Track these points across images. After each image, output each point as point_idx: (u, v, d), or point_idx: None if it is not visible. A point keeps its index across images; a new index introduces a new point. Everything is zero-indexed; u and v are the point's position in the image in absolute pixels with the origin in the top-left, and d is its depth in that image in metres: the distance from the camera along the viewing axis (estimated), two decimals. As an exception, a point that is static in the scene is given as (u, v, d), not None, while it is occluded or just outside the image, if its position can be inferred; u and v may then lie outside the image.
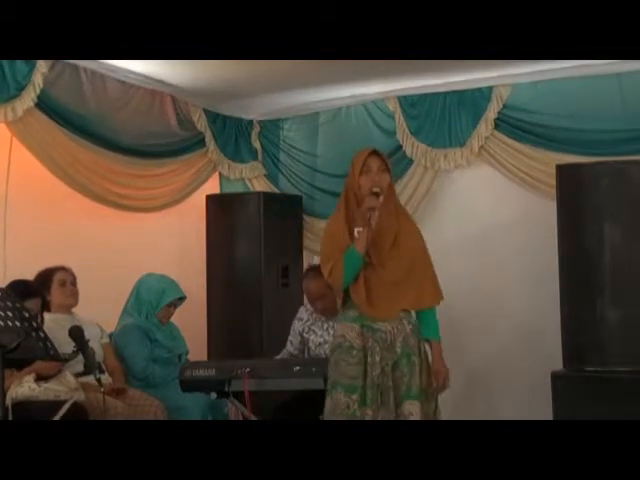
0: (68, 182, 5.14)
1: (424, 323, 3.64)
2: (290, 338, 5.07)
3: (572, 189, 4.85)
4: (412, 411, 3.47)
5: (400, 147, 6.16)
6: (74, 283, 4.75)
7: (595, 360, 4.70)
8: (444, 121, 6.03)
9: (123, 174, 5.55)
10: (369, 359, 3.50)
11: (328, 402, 3.54)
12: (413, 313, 3.66)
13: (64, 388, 4.21)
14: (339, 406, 3.48)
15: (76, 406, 4.16)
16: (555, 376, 4.74)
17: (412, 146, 6.12)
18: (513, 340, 5.73)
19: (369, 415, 3.45)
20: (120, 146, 5.49)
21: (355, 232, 3.54)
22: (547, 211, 5.12)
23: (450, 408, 5.87)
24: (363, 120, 6.37)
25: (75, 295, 4.75)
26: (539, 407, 4.89)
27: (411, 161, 6.14)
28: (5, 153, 4.90)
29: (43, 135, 4.95)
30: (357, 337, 3.53)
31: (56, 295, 4.66)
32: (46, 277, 4.67)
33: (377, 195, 3.52)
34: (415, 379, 3.53)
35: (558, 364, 4.82)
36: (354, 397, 3.47)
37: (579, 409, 4.57)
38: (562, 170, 4.93)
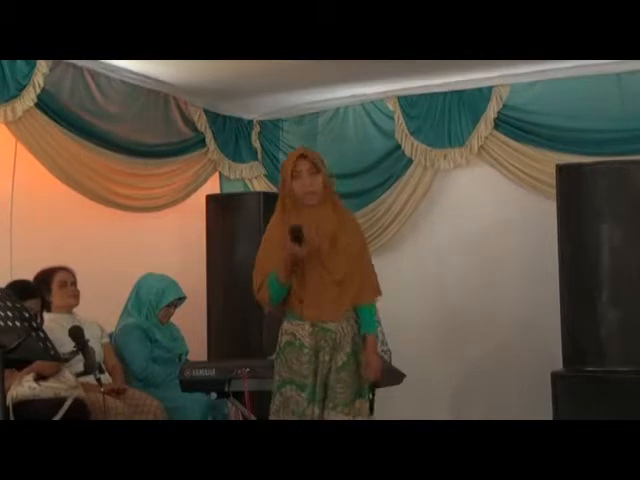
0: (68, 182, 5.15)
1: (363, 319, 3.63)
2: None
3: (572, 189, 4.85)
4: (361, 409, 3.53)
5: (399, 147, 6.16)
6: (75, 283, 4.75)
7: (595, 360, 4.70)
8: (444, 121, 6.03)
9: (123, 174, 5.55)
10: (320, 358, 3.53)
11: (277, 398, 3.57)
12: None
13: (63, 386, 4.21)
14: (290, 403, 3.52)
15: (77, 402, 4.17)
16: (555, 376, 4.75)
17: (411, 146, 6.12)
18: (513, 340, 5.73)
19: (317, 413, 3.49)
20: (121, 146, 5.49)
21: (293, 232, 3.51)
22: (547, 211, 5.12)
23: (450, 408, 5.91)
24: (362, 120, 6.37)
25: (76, 296, 4.74)
26: (539, 407, 4.90)
27: (410, 161, 6.14)
28: (10, 155, 4.91)
29: (43, 135, 4.95)
30: (308, 336, 3.55)
31: (56, 296, 4.66)
32: (46, 277, 4.66)
33: (299, 240, 3.42)
34: (362, 378, 3.57)
35: (558, 364, 4.82)
36: (303, 395, 3.51)
37: (579, 409, 4.57)
38: (562, 170, 4.93)
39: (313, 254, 3.52)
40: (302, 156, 3.59)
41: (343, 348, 3.55)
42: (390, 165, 6.21)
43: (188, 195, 6.17)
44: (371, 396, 3.65)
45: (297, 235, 3.41)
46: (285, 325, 3.63)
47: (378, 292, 3.70)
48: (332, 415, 3.49)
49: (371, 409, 3.64)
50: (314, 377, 3.52)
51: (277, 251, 3.52)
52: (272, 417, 3.58)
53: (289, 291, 3.58)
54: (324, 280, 3.56)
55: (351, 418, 3.50)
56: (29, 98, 4.76)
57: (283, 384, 3.55)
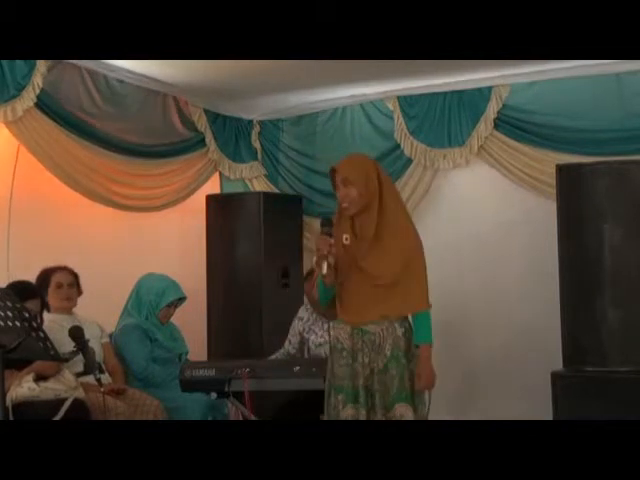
0: (68, 182, 5.15)
1: (416, 327, 3.61)
2: (289, 337, 5.07)
3: (572, 189, 4.85)
4: (403, 413, 3.47)
5: (398, 146, 6.17)
6: (72, 285, 4.73)
7: (595, 360, 4.70)
8: (443, 121, 6.04)
9: (123, 174, 5.55)
10: (359, 360, 3.52)
11: (325, 403, 3.58)
12: (409, 317, 3.64)
13: (63, 387, 4.22)
14: (331, 407, 3.53)
15: (77, 403, 4.17)
16: (555, 376, 4.75)
17: (411, 146, 6.13)
18: (513, 340, 5.73)
19: (362, 414, 3.46)
20: (120, 146, 5.49)
21: (343, 239, 3.55)
22: (547, 211, 5.12)
23: (450, 408, 5.90)
24: (361, 120, 6.38)
25: (71, 298, 4.72)
26: (539, 407, 4.89)
27: (410, 161, 6.14)
28: (12, 155, 4.92)
29: (43, 135, 4.96)
30: (347, 339, 3.55)
31: (52, 297, 4.65)
32: (44, 278, 4.67)
33: (329, 244, 3.48)
34: (405, 382, 3.51)
35: (558, 364, 4.82)
36: (340, 397, 3.51)
37: (579, 409, 4.57)
38: (562, 170, 4.93)
39: (352, 259, 3.53)
40: (333, 170, 3.60)
41: (383, 351, 3.52)
42: (389, 165, 6.21)
43: (188, 195, 6.17)
44: (425, 401, 3.60)
45: (329, 224, 3.53)
46: (331, 329, 3.65)
47: (425, 303, 3.59)
48: (374, 417, 3.46)
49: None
50: (351, 379, 3.50)
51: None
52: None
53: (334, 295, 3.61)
54: (363, 284, 3.54)
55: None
56: (29, 98, 4.76)
57: (328, 389, 3.57)
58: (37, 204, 5.06)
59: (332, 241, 3.48)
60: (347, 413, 3.48)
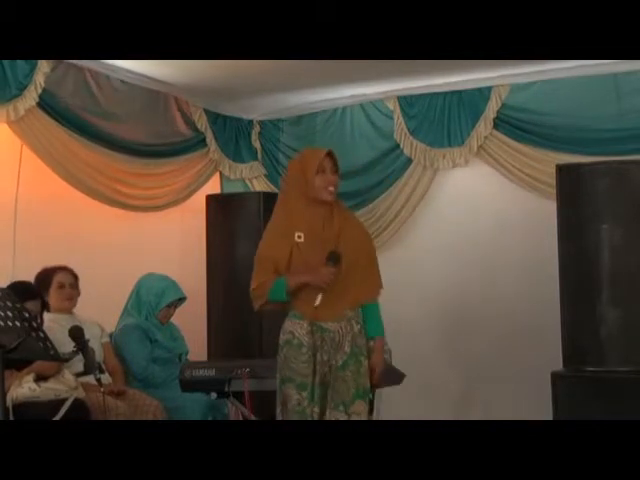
0: (70, 181, 5.16)
1: (367, 321, 3.64)
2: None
3: (572, 189, 4.85)
4: (360, 411, 3.51)
5: (398, 146, 6.17)
6: (73, 285, 4.74)
7: (595, 360, 4.69)
8: (443, 120, 6.04)
9: (126, 173, 5.55)
10: (318, 357, 3.53)
11: (278, 396, 3.58)
12: (360, 312, 3.66)
13: (64, 387, 4.21)
14: (290, 401, 3.52)
15: (77, 403, 4.17)
16: (555, 376, 4.74)
17: (411, 145, 6.12)
18: (513, 340, 5.73)
19: (317, 412, 3.49)
20: (122, 145, 5.49)
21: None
22: (547, 211, 5.12)
23: (450, 408, 5.91)
24: (361, 120, 6.37)
25: (72, 299, 4.72)
26: (539, 407, 4.89)
27: (409, 160, 6.14)
28: (16, 154, 4.93)
29: (45, 134, 4.96)
30: (306, 335, 3.55)
31: (53, 298, 4.65)
32: (46, 278, 4.67)
33: (337, 262, 3.51)
34: (363, 379, 3.55)
35: (558, 364, 4.82)
36: (304, 394, 3.51)
37: (579, 409, 4.57)
38: (562, 170, 4.93)
39: (316, 254, 3.54)
40: (329, 154, 3.63)
41: (342, 348, 3.56)
42: (389, 164, 6.22)
43: (189, 195, 6.17)
44: (371, 397, 3.64)
45: (336, 260, 3.52)
46: (285, 324, 3.65)
47: (378, 289, 3.68)
48: (333, 414, 3.49)
49: (370, 410, 3.64)
50: (313, 376, 3.52)
51: (282, 244, 3.56)
52: (277, 416, 3.58)
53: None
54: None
55: (350, 418, 3.50)
56: (31, 97, 4.76)
57: (282, 382, 3.56)
58: (37, 204, 5.06)
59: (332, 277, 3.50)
60: (313, 410, 3.49)
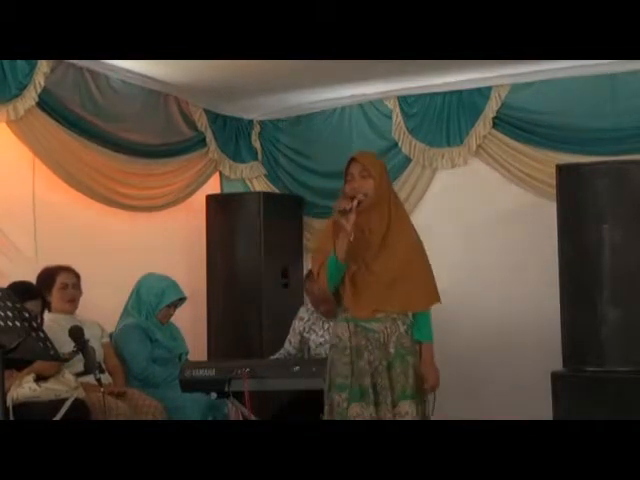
0: (70, 181, 5.16)
1: (416, 325, 3.64)
2: (289, 337, 5.07)
3: (572, 189, 4.85)
4: (408, 410, 3.49)
5: (396, 145, 6.16)
6: (76, 286, 4.74)
7: (595, 360, 4.69)
8: (442, 120, 6.04)
9: (125, 173, 5.56)
10: (365, 358, 3.52)
11: (326, 402, 3.57)
12: (410, 314, 3.65)
13: (64, 387, 4.21)
14: (334, 405, 3.52)
15: (77, 403, 4.17)
16: (555, 376, 4.74)
17: (410, 144, 6.13)
18: (513, 340, 5.73)
19: (356, 412, 3.46)
20: (122, 146, 5.50)
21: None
22: (547, 211, 5.12)
23: (449, 408, 5.90)
24: (361, 120, 6.37)
25: (74, 300, 4.72)
26: (539, 407, 4.89)
27: (408, 160, 6.14)
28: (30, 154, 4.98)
29: (45, 135, 4.97)
30: (350, 337, 3.54)
31: (56, 298, 4.66)
32: (48, 278, 4.66)
33: (351, 198, 3.49)
34: (410, 379, 3.54)
35: (558, 364, 4.82)
36: (343, 395, 3.50)
37: (579, 409, 4.57)
38: (562, 170, 4.93)
39: (360, 255, 3.53)
40: (354, 159, 3.61)
41: (387, 349, 3.54)
42: (387, 164, 6.21)
43: (190, 195, 6.17)
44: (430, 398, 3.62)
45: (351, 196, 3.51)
46: (333, 328, 3.66)
47: (432, 300, 3.66)
48: (381, 414, 3.48)
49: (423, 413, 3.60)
50: (356, 377, 3.49)
51: (329, 245, 3.53)
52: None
53: (338, 292, 3.59)
54: (367, 281, 3.56)
55: (395, 418, 3.48)
56: (30, 97, 4.77)
57: (330, 387, 3.56)
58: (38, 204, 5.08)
59: (355, 202, 3.46)
60: (353, 411, 3.47)
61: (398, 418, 3.49)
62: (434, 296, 3.67)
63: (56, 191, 5.15)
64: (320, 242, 3.68)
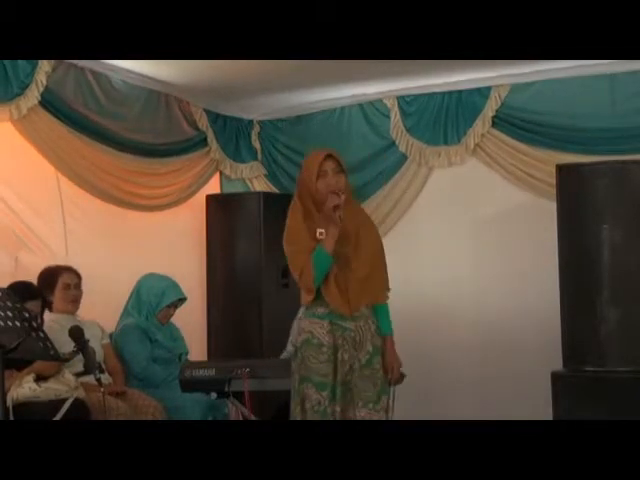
0: (73, 179, 5.16)
1: (380, 319, 3.67)
2: (290, 339, 5.07)
3: (572, 189, 4.85)
4: (385, 407, 3.56)
5: (393, 144, 6.16)
6: (78, 286, 4.74)
7: (595, 360, 4.70)
8: (440, 119, 6.03)
9: (130, 172, 5.55)
10: (339, 357, 3.53)
11: (294, 396, 3.57)
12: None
13: (64, 387, 4.21)
14: (309, 401, 3.51)
15: (77, 403, 4.17)
16: (555, 376, 4.75)
17: (407, 143, 6.11)
18: (513, 340, 5.73)
19: (337, 412, 3.49)
20: (124, 144, 5.49)
21: (317, 233, 3.55)
22: (547, 211, 5.12)
23: (449, 408, 5.90)
24: (360, 120, 6.37)
25: (75, 301, 4.72)
26: (539, 407, 4.89)
27: (404, 158, 6.13)
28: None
29: (48, 133, 4.97)
30: (326, 334, 3.55)
31: (58, 298, 4.65)
32: (51, 278, 4.66)
33: (338, 194, 3.52)
34: (383, 376, 3.60)
35: (558, 364, 4.82)
36: (324, 394, 3.50)
37: (579, 409, 4.57)
38: (562, 170, 4.93)
39: (342, 251, 3.55)
40: (329, 156, 3.62)
41: (364, 347, 3.56)
42: (383, 161, 6.21)
43: (191, 194, 6.16)
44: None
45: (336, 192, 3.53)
46: (303, 323, 3.64)
47: (388, 287, 3.73)
48: (362, 413, 3.50)
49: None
50: (334, 376, 3.51)
51: (307, 244, 3.54)
52: (293, 416, 3.58)
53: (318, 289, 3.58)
54: (347, 276, 3.57)
55: (380, 415, 3.52)
56: (33, 96, 4.77)
57: (301, 382, 3.55)
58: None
59: (343, 197, 3.49)
60: (334, 409, 3.49)
61: (381, 413, 3.53)
62: (388, 284, 3.73)
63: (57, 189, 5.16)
64: (296, 243, 3.63)
